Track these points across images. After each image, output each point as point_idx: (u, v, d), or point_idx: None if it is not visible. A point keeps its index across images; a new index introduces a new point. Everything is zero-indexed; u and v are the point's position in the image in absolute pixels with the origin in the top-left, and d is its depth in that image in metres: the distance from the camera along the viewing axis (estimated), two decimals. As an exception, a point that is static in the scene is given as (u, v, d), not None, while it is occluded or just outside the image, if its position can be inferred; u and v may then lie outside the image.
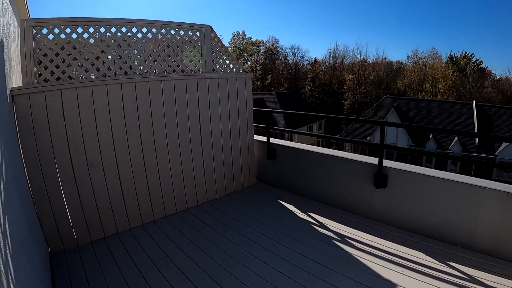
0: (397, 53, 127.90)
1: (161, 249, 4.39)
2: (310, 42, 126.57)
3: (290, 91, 64.39)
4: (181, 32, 5.34)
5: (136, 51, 4.96)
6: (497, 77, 64.98)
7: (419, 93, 64.21)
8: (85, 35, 4.41)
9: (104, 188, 4.64)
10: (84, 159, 4.41)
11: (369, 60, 74.36)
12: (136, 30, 4.83)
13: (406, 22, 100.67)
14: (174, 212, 5.49)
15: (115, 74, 4.76)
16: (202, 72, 5.69)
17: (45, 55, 4.20)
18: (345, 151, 37.49)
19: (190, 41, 5.49)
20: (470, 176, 4.36)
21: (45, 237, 4.21)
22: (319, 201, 5.77)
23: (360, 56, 75.20)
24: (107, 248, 4.45)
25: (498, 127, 33.40)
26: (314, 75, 77.06)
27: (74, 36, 4.34)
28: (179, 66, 5.40)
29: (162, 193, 5.30)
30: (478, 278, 3.54)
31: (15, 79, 4.06)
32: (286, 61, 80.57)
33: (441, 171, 4.57)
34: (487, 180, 4.13)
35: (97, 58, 4.55)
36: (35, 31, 4.07)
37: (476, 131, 32.71)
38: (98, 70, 4.58)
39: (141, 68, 5.03)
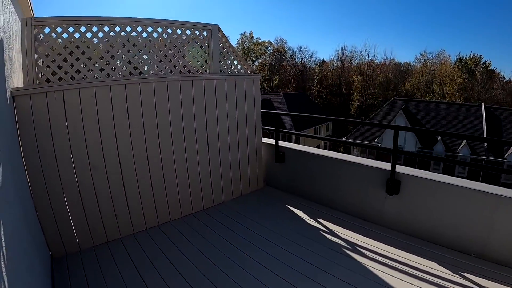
0: (405, 54, 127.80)
1: (164, 254, 4.27)
2: (318, 43, 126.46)
3: (298, 92, 64.12)
4: (188, 32, 5.20)
5: (141, 51, 4.82)
6: (506, 79, 64.57)
7: (427, 94, 63.97)
8: (88, 35, 4.29)
9: (107, 192, 4.51)
10: (86, 162, 4.29)
11: (377, 61, 74.33)
12: (141, 29, 4.69)
13: (414, 23, 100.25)
14: (179, 216, 5.35)
15: (119, 75, 4.63)
16: (209, 72, 5.54)
17: (47, 54, 4.08)
18: (352, 153, 37.65)
19: (196, 41, 5.34)
20: (479, 180, 4.20)
21: (46, 242, 4.11)
22: (329, 207, 5.60)
23: (368, 57, 75.15)
24: (109, 253, 4.33)
25: (507, 130, 33.11)
26: (321, 76, 77.11)
27: (77, 35, 4.21)
28: (185, 66, 5.25)
29: (167, 197, 5.16)
30: (494, 291, 3.38)
31: (16, 80, 3.99)
32: (293, 62, 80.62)
33: (456, 178, 4.40)
34: (503, 188, 3.96)
35: (101, 58, 4.43)
36: (36, 30, 3.94)
37: (485, 133, 32.63)
38: (101, 70, 4.46)
39: (146, 68, 4.89)
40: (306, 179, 6.05)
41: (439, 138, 33.43)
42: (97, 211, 4.46)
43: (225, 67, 5.76)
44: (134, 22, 4.62)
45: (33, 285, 2.64)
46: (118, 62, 4.61)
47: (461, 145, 32.57)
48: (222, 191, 5.94)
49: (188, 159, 5.34)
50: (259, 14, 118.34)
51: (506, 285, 3.44)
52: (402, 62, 75.46)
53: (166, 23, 4.94)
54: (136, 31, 4.66)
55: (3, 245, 1.86)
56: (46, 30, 4.04)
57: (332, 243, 4.48)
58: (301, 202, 5.87)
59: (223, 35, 5.56)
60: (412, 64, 73.71)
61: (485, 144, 31.43)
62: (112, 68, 4.57)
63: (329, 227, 4.93)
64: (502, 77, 64.38)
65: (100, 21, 4.36)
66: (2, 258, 1.75)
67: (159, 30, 4.87)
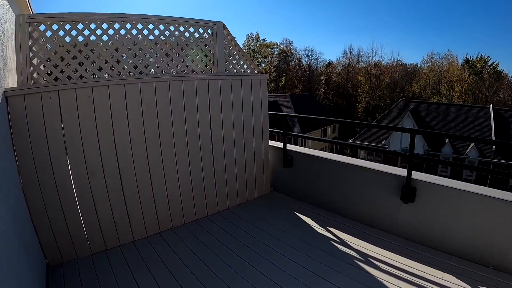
0: (412, 56, 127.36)
1: (164, 263, 4.09)
2: (325, 44, 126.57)
3: (304, 94, 64.37)
4: (191, 29, 4.95)
5: (141, 50, 4.58)
6: None
7: (435, 96, 63.93)
8: (86, 32, 4.06)
9: (105, 198, 4.30)
10: (83, 166, 4.08)
11: (384, 62, 74.36)
12: (142, 26, 4.45)
13: (421, 24, 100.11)
14: (182, 223, 5.12)
15: (119, 74, 4.39)
16: (213, 72, 5.29)
17: (42, 53, 3.88)
18: (358, 155, 37.40)
19: (201, 39, 5.09)
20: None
21: (42, 249, 3.93)
22: (339, 214, 5.33)
23: (375, 59, 75.20)
24: (107, 261, 4.14)
25: None
26: (328, 77, 77.29)
27: (74, 32, 3.99)
28: (189, 66, 5.01)
29: (169, 203, 4.93)
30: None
31: (12, 80, 3.84)
32: (300, 63, 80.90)
33: (475, 186, 4.12)
34: None
35: (99, 56, 4.21)
36: (31, 28, 3.72)
37: (493, 135, 32.54)
38: (99, 69, 4.23)
39: (147, 67, 4.64)
40: (315, 185, 5.78)
41: (447, 140, 33.15)
42: (94, 218, 4.25)
43: (230, 67, 5.51)
44: (134, 19, 4.39)
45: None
46: (117, 61, 4.36)
47: (469, 147, 32.37)
48: (227, 197, 5.69)
49: (191, 163, 5.11)
50: (266, 15, 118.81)
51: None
52: (409, 64, 75.47)
53: (169, 20, 4.70)
54: (137, 29, 4.42)
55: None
56: (42, 27, 3.82)
57: (343, 254, 4.22)
58: (309, 209, 5.60)
59: (229, 33, 5.32)
60: (419, 65, 73.77)
61: (493, 146, 31.09)
62: (110, 67, 4.33)
63: (340, 236, 4.67)
64: (510, 78, 64.09)
65: (98, 17, 4.13)
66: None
67: (161, 27, 4.63)
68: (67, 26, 3.94)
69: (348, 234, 4.71)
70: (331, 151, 42.10)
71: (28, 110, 3.66)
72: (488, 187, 3.98)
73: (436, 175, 4.33)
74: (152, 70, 4.70)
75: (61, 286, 3.65)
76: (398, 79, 70.08)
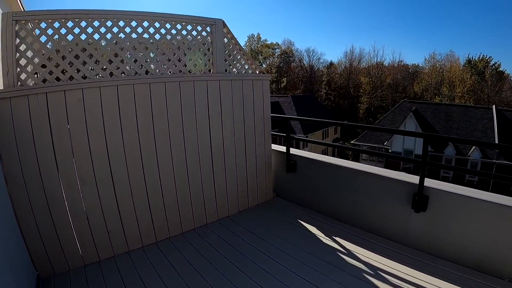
0: (414, 56, 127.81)
1: (158, 274, 3.88)
2: (326, 45, 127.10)
3: (306, 94, 64.55)
4: (189, 27, 4.68)
5: (136, 49, 4.32)
6: None
7: (436, 96, 64.23)
8: (76, 30, 3.81)
9: (97, 206, 4.06)
10: (74, 173, 3.84)
11: (385, 63, 74.71)
12: (136, 24, 4.19)
13: (422, 25, 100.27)
14: (180, 232, 4.85)
15: (111, 75, 4.12)
16: (212, 72, 5.02)
17: (29, 53, 3.62)
18: (361, 157, 37.22)
19: (199, 37, 4.82)
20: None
21: (32, 261, 3.71)
22: (346, 223, 5.04)
23: (376, 59, 75.53)
24: (100, 273, 3.93)
25: None
26: (329, 78, 77.60)
27: (63, 31, 3.74)
28: (186, 65, 4.75)
29: (166, 211, 4.67)
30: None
31: None
32: (301, 64, 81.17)
33: (492, 194, 3.85)
34: None
35: (90, 56, 3.94)
36: (18, 26, 3.48)
37: (496, 136, 32.60)
38: (91, 70, 3.97)
39: (141, 68, 4.37)
40: (320, 191, 5.50)
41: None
42: (86, 228, 4.01)
43: (230, 67, 5.23)
44: (128, 16, 4.13)
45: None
46: (109, 61, 4.10)
47: (472, 149, 32.25)
48: (227, 204, 5.42)
49: (189, 168, 4.84)
50: (267, 16, 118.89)
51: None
52: (411, 64, 75.73)
53: (164, 17, 4.44)
54: (130, 26, 4.16)
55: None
56: (30, 25, 3.59)
57: (352, 267, 3.94)
58: (314, 217, 5.32)
59: (229, 31, 5.05)
60: (420, 65, 74.17)
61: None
62: (102, 68, 4.07)
63: (346, 246, 4.40)
64: (511, 78, 64.02)
65: (90, 15, 3.87)
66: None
67: (157, 25, 4.35)
68: (56, 24, 3.69)
69: (355, 244, 4.45)
70: (333, 153, 42.12)
71: (14, 114, 3.43)
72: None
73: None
74: (147, 70, 4.43)
75: None
76: (400, 80, 70.40)
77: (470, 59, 66.13)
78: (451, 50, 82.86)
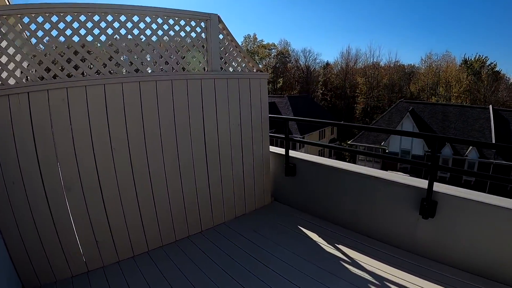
0: (410, 56, 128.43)
1: (149, 284, 3.71)
2: (322, 45, 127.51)
3: (302, 95, 64.72)
4: (182, 22, 4.41)
5: (125, 45, 4.04)
6: (511, 81, 65.18)
7: (433, 97, 64.65)
8: (61, 25, 3.54)
9: (85, 215, 3.80)
10: (58, 179, 3.59)
11: (382, 63, 75.07)
12: (126, 18, 3.91)
13: (419, 25, 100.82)
14: (173, 240, 4.60)
15: (98, 73, 3.84)
16: (207, 70, 4.76)
17: (11, 50, 3.36)
18: (357, 158, 37.13)
19: (193, 33, 4.56)
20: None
21: (16, 271, 3.52)
22: (349, 229, 4.81)
23: (373, 59, 75.81)
24: (88, 284, 3.72)
25: None
26: (326, 78, 77.98)
27: (47, 26, 3.47)
28: (179, 63, 4.47)
29: (158, 218, 4.42)
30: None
31: None
32: (297, 64, 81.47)
33: (504, 199, 3.65)
34: None
35: (75, 53, 3.66)
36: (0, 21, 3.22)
37: (493, 136, 32.75)
38: (76, 68, 3.69)
39: (131, 65, 4.09)
40: (321, 196, 5.25)
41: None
42: (73, 237, 3.78)
43: (226, 65, 4.97)
44: (116, 10, 3.86)
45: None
46: (96, 58, 3.82)
47: (469, 148, 32.28)
48: (224, 210, 5.16)
49: (183, 172, 4.59)
50: (263, 16, 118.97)
51: None
52: (407, 64, 76.20)
53: (156, 12, 4.17)
54: (119, 21, 3.88)
55: None
56: (11, 20, 3.32)
57: (354, 276, 3.73)
58: (315, 223, 5.07)
59: (224, 27, 4.78)
60: (416, 66, 74.72)
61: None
62: (89, 66, 3.79)
63: (350, 255, 4.16)
64: (507, 78, 65.15)
65: (76, 9, 3.60)
66: None
67: (147, 20, 4.09)
68: (40, 19, 3.42)
69: (359, 252, 4.22)
70: (329, 154, 42.06)
71: (-7, 116, 3.18)
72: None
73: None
74: (137, 68, 4.16)
75: None
76: (396, 80, 70.75)
77: (466, 59, 66.66)
78: (447, 50, 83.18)
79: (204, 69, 4.76)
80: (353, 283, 3.57)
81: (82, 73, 3.75)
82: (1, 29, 3.26)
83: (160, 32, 4.24)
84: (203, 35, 4.63)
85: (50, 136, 3.47)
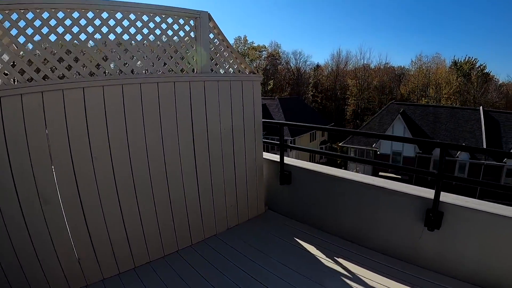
0: (400, 59, 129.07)
1: None
2: (313, 47, 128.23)
3: (293, 97, 65.00)
4: (169, 20, 4.10)
5: (106, 44, 3.71)
6: (500, 82, 66.67)
7: (423, 98, 65.26)
8: (37, 23, 3.22)
9: (64, 231, 3.48)
10: (34, 191, 3.25)
11: (372, 65, 75.56)
12: (108, 15, 3.60)
13: (409, 27, 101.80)
14: (161, 255, 4.30)
15: (76, 75, 3.51)
16: (196, 72, 4.46)
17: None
18: (348, 161, 37.01)
19: (181, 31, 4.26)
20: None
21: None
22: (349, 241, 4.54)
23: (363, 61, 76.46)
24: None
25: (506, 133, 33.26)
26: (316, 80, 78.30)
27: (22, 23, 3.15)
28: (166, 64, 4.17)
29: (144, 232, 4.11)
30: None
31: None
32: (288, 66, 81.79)
33: None
34: None
35: (53, 53, 3.34)
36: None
37: (483, 137, 32.77)
38: (53, 70, 3.36)
39: (113, 67, 3.78)
40: (319, 205, 4.98)
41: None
42: (53, 255, 3.45)
43: (217, 66, 4.68)
44: (99, 6, 3.55)
45: None
46: (75, 58, 3.50)
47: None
48: (214, 222, 4.87)
49: (170, 181, 4.28)
50: (254, 18, 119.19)
51: None
52: (397, 66, 76.97)
53: (141, 8, 3.86)
54: (101, 18, 3.56)
55: None
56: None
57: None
58: (313, 234, 4.79)
59: (215, 26, 4.49)
60: (407, 68, 75.49)
61: (484, 145, 31.48)
62: (67, 67, 3.46)
63: (351, 269, 3.90)
64: (497, 80, 66.09)
65: (54, 4, 3.28)
66: None
67: (132, 17, 3.78)
68: (14, 16, 3.11)
69: (361, 266, 3.95)
70: (320, 158, 42.02)
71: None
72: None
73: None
74: (120, 69, 3.84)
75: None
76: (387, 82, 71.26)
77: (456, 61, 67.36)
78: (438, 53, 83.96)
79: (193, 71, 4.46)
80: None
81: (60, 76, 3.42)
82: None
83: (145, 31, 3.92)
84: (192, 34, 4.33)
85: (24, 143, 3.16)
